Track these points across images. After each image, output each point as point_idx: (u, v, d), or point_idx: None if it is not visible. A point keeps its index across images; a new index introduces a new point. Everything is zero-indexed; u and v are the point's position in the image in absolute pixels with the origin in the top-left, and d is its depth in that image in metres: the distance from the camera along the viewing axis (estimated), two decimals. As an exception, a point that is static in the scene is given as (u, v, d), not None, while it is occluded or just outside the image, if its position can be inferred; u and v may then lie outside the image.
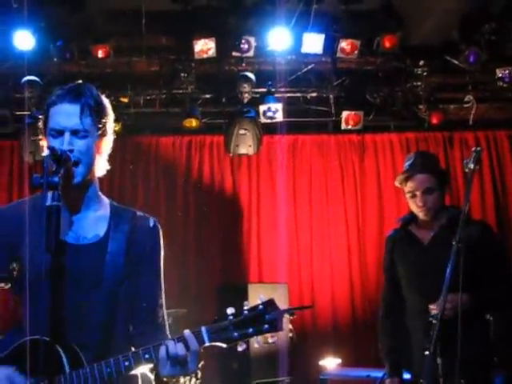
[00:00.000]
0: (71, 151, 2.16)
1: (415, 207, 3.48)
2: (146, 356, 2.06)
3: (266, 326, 2.03)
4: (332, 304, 7.17)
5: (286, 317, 2.17)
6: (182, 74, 6.70)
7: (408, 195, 3.54)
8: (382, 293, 3.72)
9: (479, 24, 6.49)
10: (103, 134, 2.29)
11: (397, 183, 3.66)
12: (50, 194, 1.94)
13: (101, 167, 2.33)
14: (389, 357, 3.52)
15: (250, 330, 2.04)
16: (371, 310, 6.98)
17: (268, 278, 7.06)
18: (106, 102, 2.34)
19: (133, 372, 2.11)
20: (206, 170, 7.41)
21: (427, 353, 2.55)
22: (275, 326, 2.03)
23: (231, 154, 7.05)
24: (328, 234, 7.34)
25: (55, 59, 6.34)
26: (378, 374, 4.70)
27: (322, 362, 6.06)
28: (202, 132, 7.27)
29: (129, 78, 6.83)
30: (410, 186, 3.52)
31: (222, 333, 2.05)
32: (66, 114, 2.19)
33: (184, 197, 7.33)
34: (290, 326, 6.38)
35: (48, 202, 1.93)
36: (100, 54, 6.31)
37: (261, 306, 2.05)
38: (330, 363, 5.99)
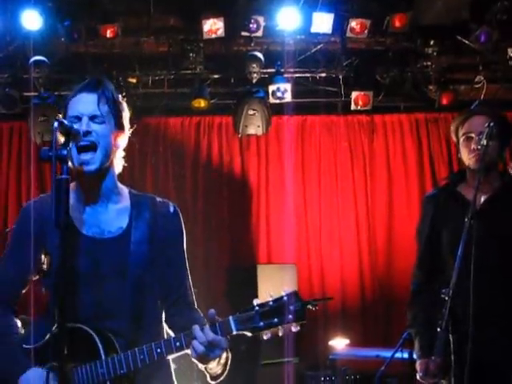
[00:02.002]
0: (89, 133, 2.25)
1: (467, 153, 3.08)
2: (177, 344, 2.16)
3: (290, 316, 2.09)
4: (341, 284, 7.18)
5: (311, 309, 2.17)
6: (191, 55, 6.66)
7: (462, 139, 3.14)
8: (418, 262, 3.29)
9: (490, 3, 6.43)
10: (120, 127, 2.37)
11: (452, 127, 3.24)
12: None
13: (118, 161, 2.41)
14: (423, 333, 3.16)
15: (275, 320, 2.10)
16: (380, 290, 7.01)
17: (277, 259, 7.07)
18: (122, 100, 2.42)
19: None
20: (214, 150, 7.41)
21: (439, 329, 2.49)
22: (299, 317, 2.10)
23: (240, 135, 7.05)
24: (337, 215, 7.34)
25: (63, 39, 6.31)
26: (387, 353, 4.73)
27: (331, 343, 6.09)
28: (210, 112, 7.25)
29: (137, 59, 6.81)
30: (466, 127, 3.13)
31: (248, 322, 2.12)
32: (84, 102, 2.29)
33: (193, 177, 7.34)
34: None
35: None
36: (108, 33, 6.25)
37: (285, 298, 2.11)
38: (339, 344, 6.02)
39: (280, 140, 7.42)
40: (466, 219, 2.61)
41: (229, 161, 7.44)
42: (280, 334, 2.13)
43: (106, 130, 2.30)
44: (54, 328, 2.17)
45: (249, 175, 7.40)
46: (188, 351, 2.17)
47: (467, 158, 3.11)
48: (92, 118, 2.28)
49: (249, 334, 2.13)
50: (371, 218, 7.36)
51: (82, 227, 2.36)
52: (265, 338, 2.14)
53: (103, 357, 2.18)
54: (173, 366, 2.44)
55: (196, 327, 2.14)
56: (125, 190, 2.47)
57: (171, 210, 2.44)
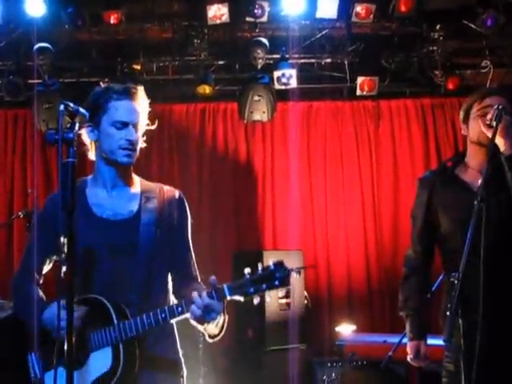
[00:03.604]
0: (134, 140, 2.66)
1: (481, 126, 2.96)
2: (179, 309, 2.49)
3: (277, 282, 2.40)
4: (347, 270, 7.18)
5: (295, 276, 2.54)
6: (195, 41, 6.64)
7: (478, 114, 3.04)
8: (412, 244, 3.26)
9: (497, -13, 6.38)
10: (144, 129, 2.76)
11: (466, 105, 3.15)
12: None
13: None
14: (416, 315, 3.18)
15: (264, 285, 2.40)
16: (386, 276, 7.01)
17: (283, 245, 7.07)
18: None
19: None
20: (219, 136, 7.39)
21: (448, 313, 2.49)
22: (284, 282, 2.41)
23: (245, 121, 7.03)
24: (343, 201, 7.32)
25: (66, 26, 6.29)
26: (394, 339, 4.73)
27: (337, 329, 6.09)
28: (215, 99, 7.23)
29: (141, 45, 6.79)
30: (486, 102, 3.03)
31: (240, 289, 2.42)
32: (131, 110, 2.66)
33: (198, 164, 7.33)
34: (306, 294, 6.41)
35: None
36: (112, 20, 6.23)
37: (272, 266, 2.40)
38: (346, 329, 6.02)
39: (285, 126, 7.40)
40: (476, 202, 2.57)
41: (234, 147, 7.43)
42: (268, 299, 2.55)
43: (140, 135, 2.71)
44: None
45: (254, 162, 7.39)
46: (188, 315, 2.47)
47: (479, 131, 3.01)
48: (135, 126, 2.66)
49: (241, 298, 2.43)
50: (377, 205, 7.35)
51: (97, 210, 2.70)
52: (255, 302, 2.43)
53: (116, 322, 2.51)
54: (178, 340, 2.75)
55: (195, 293, 2.45)
56: (137, 178, 2.79)
57: (176, 196, 2.76)
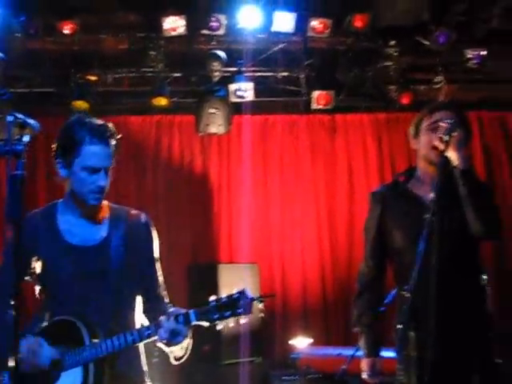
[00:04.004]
0: (104, 185, 2.71)
1: (431, 142, 2.97)
2: (148, 332, 2.61)
3: (240, 310, 2.56)
4: (302, 283, 7.20)
5: (256, 303, 2.68)
6: (151, 52, 6.61)
7: (426, 129, 3.06)
8: (365, 259, 3.26)
9: (449, 5, 6.51)
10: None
11: (416, 120, 3.17)
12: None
13: None
14: (369, 331, 3.19)
15: (228, 313, 2.56)
16: (341, 288, 7.04)
17: (238, 258, 7.05)
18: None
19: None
20: (175, 149, 7.36)
21: (400, 326, 2.50)
22: (247, 310, 2.57)
23: (201, 134, 7.01)
24: (298, 214, 7.35)
25: (19, 35, 6.19)
26: (349, 352, 4.75)
27: (292, 342, 6.09)
28: (171, 111, 7.21)
29: (96, 56, 6.73)
30: (435, 116, 3.05)
31: (205, 315, 2.58)
32: (103, 156, 2.70)
33: (154, 176, 7.28)
34: (262, 307, 6.40)
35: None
36: (66, 30, 6.15)
37: (236, 294, 2.57)
38: (301, 342, 6.02)
39: (241, 139, 7.41)
40: (428, 215, 2.60)
41: (190, 160, 7.40)
42: (231, 325, 2.59)
43: (110, 175, 2.76)
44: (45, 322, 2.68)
45: (210, 174, 7.38)
46: (156, 338, 2.60)
47: (429, 148, 3.03)
48: (106, 170, 2.72)
49: (206, 324, 2.59)
50: (332, 218, 7.40)
51: (68, 236, 2.77)
52: (218, 328, 2.60)
53: (87, 343, 2.60)
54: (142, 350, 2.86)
55: (162, 318, 2.58)
56: (105, 203, 2.85)
57: (143, 220, 2.87)
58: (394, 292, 3.39)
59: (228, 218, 7.30)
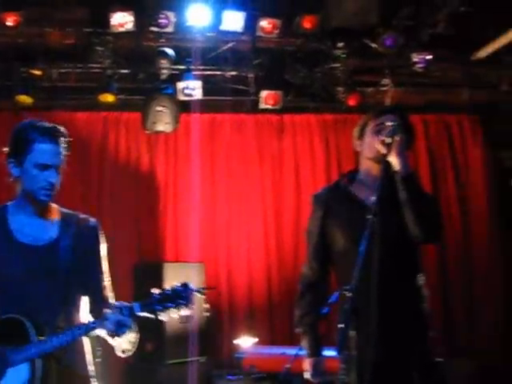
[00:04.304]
0: (54, 182, 2.83)
1: (375, 144, 3.00)
2: (93, 325, 2.76)
3: (182, 301, 2.75)
4: (248, 283, 7.21)
5: (198, 295, 2.88)
6: (98, 48, 6.50)
7: (372, 131, 3.10)
8: (307, 261, 3.29)
9: (397, 9, 6.61)
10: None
11: (361, 122, 3.20)
12: None
13: None
14: (312, 331, 3.22)
15: (170, 304, 2.74)
16: (287, 288, 7.06)
17: (184, 257, 7.02)
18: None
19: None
20: (121, 146, 7.28)
21: (341, 326, 2.52)
22: (188, 302, 2.76)
23: (148, 131, 6.96)
24: (245, 214, 7.37)
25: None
26: (293, 351, 4.76)
27: (237, 341, 6.10)
28: (118, 108, 7.12)
29: (42, 50, 6.60)
30: (380, 119, 3.09)
31: (148, 306, 2.75)
32: (53, 153, 2.83)
33: (99, 174, 7.18)
34: (207, 305, 6.39)
35: None
36: (10, 22, 6.00)
37: (178, 287, 2.77)
38: (246, 342, 6.04)
39: (189, 138, 7.37)
40: (370, 216, 2.63)
41: (136, 158, 7.34)
42: (172, 316, 2.77)
43: (61, 173, 2.88)
44: None
45: (156, 172, 7.32)
46: (101, 331, 2.77)
47: (372, 150, 3.06)
48: (57, 168, 2.84)
49: (150, 315, 2.75)
50: (279, 217, 7.43)
51: (19, 236, 2.87)
52: (162, 318, 2.76)
53: (33, 339, 2.69)
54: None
55: (107, 311, 2.77)
56: (55, 206, 2.98)
57: (91, 224, 3.03)
58: (337, 293, 3.41)
59: (174, 216, 7.26)
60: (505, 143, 7.99)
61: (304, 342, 3.24)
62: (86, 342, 2.94)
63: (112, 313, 2.74)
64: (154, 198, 7.27)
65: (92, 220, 3.05)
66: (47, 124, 2.90)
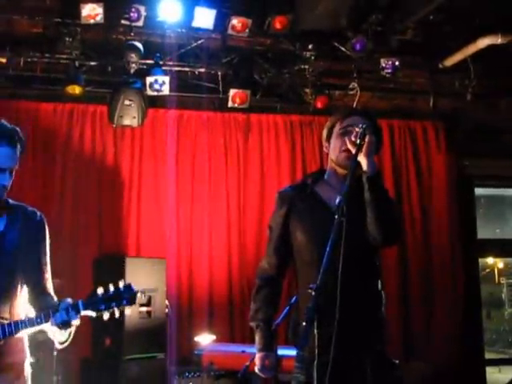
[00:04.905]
0: (7, 184, 2.94)
1: (341, 146, 3.04)
2: (38, 320, 2.85)
3: (125, 301, 2.88)
4: (209, 281, 7.22)
5: (140, 297, 3.06)
6: (67, 39, 6.44)
7: (339, 132, 3.12)
8: (266, 256, 3.31)
9: (367, 14, 6.69)
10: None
11: (329, 123, 3.22)
12: None
13: None
14: (265, 326, 3.21)
15: (113, 303, 2.86)
16: (248, 286, 7.10)
17: (146, 253, 7.01)
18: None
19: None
20: (87, 139, 7.22)
21: (304, 324, 2.55)
22: (131, 302, 2.91)
23: (114, 125, 6.92)
24: (209, 211, 7.38)
25: None
26: (252, 349, 4.80)
27: (197, 338, 6.11)
28: (85, 100, 7.05)
29: (8, 38, 6.52)
30: (347, 121, 3.12)
31: (92, 305, 2.85)
32: (7, 156, 2.92)
33: (63, 166, 7.11)
34: (167, 302, 6.40)
35: None
36: (-25, 9, 5.96)
37: (121, 287, 2.89)
38: (205, 339, 6.05)
39: (155, 133, 7.38)
40: (335, 217, 2.67)
41: (101, 151, 7.29)
42: (117, 316, 2.89)
43: (13, 174, 2.97)
44: None
45: (121, 166, 7.29)
46: (45, 326, 2.86)
47: (339, 151, 3.11)
48: (11, 171, 2.94)
49: (93, 314, 2.86)
50: (242, 216, 7.46)
51: None
52: (105, 317, 2.87)
53: None
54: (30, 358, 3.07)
55: (53, 308, 2.83)
56: (2, 199, 3.02)
57: (38, 218, 3.11)
58: (297, 295, 3.43)
59: (138, 211, 7.23)
60: (468, 151, 8.15)
61: (256, 336, 3.25)
62: (25, 336, 3.02)
63: (58, 311, 2.81)
64: (118, 192, 7.23)
65: (39, 213, 3.13)
66: (7, 126, 2.98)
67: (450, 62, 7.34)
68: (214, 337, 6.16)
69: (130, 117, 6.78)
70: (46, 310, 2.86)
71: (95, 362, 6.29)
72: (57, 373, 5.86)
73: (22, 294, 3.02)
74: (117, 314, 2.90)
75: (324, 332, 2.58)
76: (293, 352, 3.03)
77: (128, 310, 2.94)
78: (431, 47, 7.18)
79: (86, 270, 6.62)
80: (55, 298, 3.09)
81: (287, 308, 4.37)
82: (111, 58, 6.80)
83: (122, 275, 5.96)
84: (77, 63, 6.67)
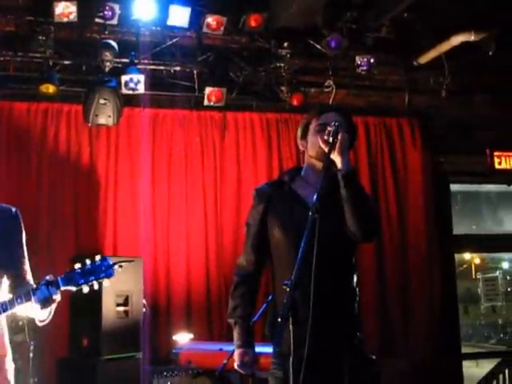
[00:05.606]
0: None
1: (318, 143, 3.04)
2: (19, 300, 2.94)
3: (102, 274, 2.97)
4: (187, 280, 7.24)
5: (117, 269, 3.04)
6: (40, 37, 6.44)
7: (315, 130, 3.15)
8: (244, 253, 3.33)
9: (342, 12, 6.75)
10: None
11: (304, 120, 3.27)
12: None
13: None
14: (243, 323, 3.23)
15: (91, 277, 2.96)
16: (226, 285, 7.13)
17: (123, 252, 6.99)
18: None
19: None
20: (62, 139, 7.19)
21: (279, 320, 2.58)
22: (109, 274, 2.99)
23: (90, 124, 6.91)
24: (186, 211, 7.39)
25: None
26: (230, 347, 4.84)
27: (174, 337, 6.13)
28: (59, 100, 7.03)
29: (-20, 37, 6.50)
30: (322, 118, 3.16)
31: (71, 280, 2.95)
32: None
33: (38, 166, 7.08)
34: (144, 301, 6.41)
35: None
36: None
37: (98, 261, 2.99)
38: (183, 338, 6.08)
39: (131, 132, 7.37)
40: (310, 213, 2.71)
41: (77, 151, 7.26)
42: (96, 287, 2.98)
43: None
44: None
45: (97, 166, 7.27)
46: (26, 305, 2.95)
47: (315, 149, 3.14)
48: None
49: (73, 288, 2.95)
50: (219, 215, 7.48)
51: None
52: (84, 290, 2.96)
53: None
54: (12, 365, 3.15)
55: (33, 286, 2.97)
56: None
57: (13, 212, 3.23)
58: (269, 298, 3.46)
59: (114, 211, 7.22)
60: (443, 148, 8.25)
61: (234, 333, 3.26)
62: (3, 320, 3.12)
63: (39, 289, 2.92)
64: (94, 192, 7.22)
65: (13, 209, 3.24)
66: None
67: (425, 59, 7.44)
68: (191, 335, 6.19)
69: (106, 116, 6.77)
70: (25, 291, 2.94)
71: (72, 362, 6.28)
72: (33, 375, 5.84)
73: (2, 287, 3.10)
74: (96, 287, 2.98)
75: (299, 328, 2.62)
76: (270, 349, 3.06)
77: (106, 283, 3.01)
78: (406, 45, 7.27)
79: (62, 269, 6.58)
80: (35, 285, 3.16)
81: (264, 305, 4.42)
82: (85, 56, 6.79)
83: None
84: (51, 62, 6.66)
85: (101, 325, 6.02)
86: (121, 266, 3.06)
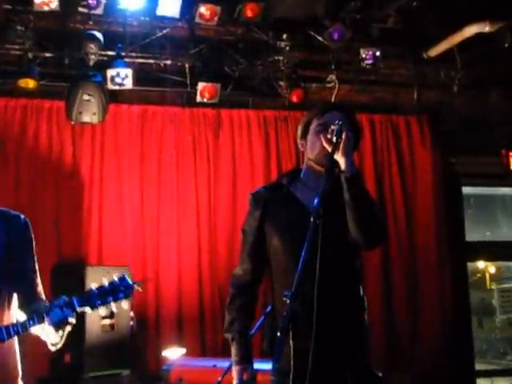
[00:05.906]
0: None
1: (322, 141, 2.99)
2: (31, 322, 2.91)
3: (121, 294, 2.97)
4: (178, 291, 7.20)
5: (138, 289, 3.08)
6: (19, 28, 6.41)
7: (316, 129, 3.15)
8: (241, 262, 3.32)
9: (344, 1, 6.73)
10: None
11: (305, 119, 3.26)
12: None
13: None
14: (241, 338, 3.22)
15: (110, 298, 2.95)
16: (220, 298, 7.11)
17: (109, 261, 6.96)
18: None
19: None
20: (42, 137, 7.18)
21: (279, 334, 2.56)
22: (128, 295, 2.99)
23: (73, 122, 6.89)
24: (177, 214, 7.36)
25: None
26: (224, 363, 4.82)
27: (164, 353, 6.11)
28: (39, 95, 7.02)
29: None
30: (325, 117, 3.16)
31: (88, 301, 2.93)
32: None
33: (16, 167, 7.06)
34: (132, 314, 6.38)
35: None
36: None
37: (116, 281, 2.98)
38: (174, 353, 6.06)
39: (117, 130, 7.36)
40: (311, 219, 2.70)
41: (59, 151, 7.24)
42: (114, 310, 3.00)
43: None
44: None
45: (81, 167, 7.25)
46: (38, 328, 2.94)
47: (316, 150, 3.13)
48: None
49: (89, 310, 2.95)
50: (213, 219, 7.46)
51: None
52: (103, 314, 3.13)
53: None
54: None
55: (47, 307, 2.94)
56: None
57: (22, 221, 3.25)
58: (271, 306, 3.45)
59: (99, 215, 7.19)
60: (455, 147, 8.23)
61: (232, 349, 3.25)
62: (16, 341, 3.09)
63: (52, 310, 2.90)
64: (78, 195, 7.20)
65: (22, 217, 3.25)
66: None
67: (435, 51, 7.42)
68: (183, 350, 6.16)
69: (90, 113, 6.75)
70: (38, 311, 2.93)
71: (53, 380, 6.26)
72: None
73: (12, 300, 3.11)
74: (114, 309, 3.00)
75: (301, 343, 2.60)
76: (268, 366, 3.04)
77: (125, 304, 3.02)
78: (414, 36, 7.26)
79: (43, 279, 6.57)
80: (46, 302, 3.15)
81: (262, 317, 4.40)
82: (68, 48, 6.78)
83: (82, 285, 5.94)
84: (30, 55, 6.64)
85: (84, 339, 6.00)
86: (140, 285, 3.10)
